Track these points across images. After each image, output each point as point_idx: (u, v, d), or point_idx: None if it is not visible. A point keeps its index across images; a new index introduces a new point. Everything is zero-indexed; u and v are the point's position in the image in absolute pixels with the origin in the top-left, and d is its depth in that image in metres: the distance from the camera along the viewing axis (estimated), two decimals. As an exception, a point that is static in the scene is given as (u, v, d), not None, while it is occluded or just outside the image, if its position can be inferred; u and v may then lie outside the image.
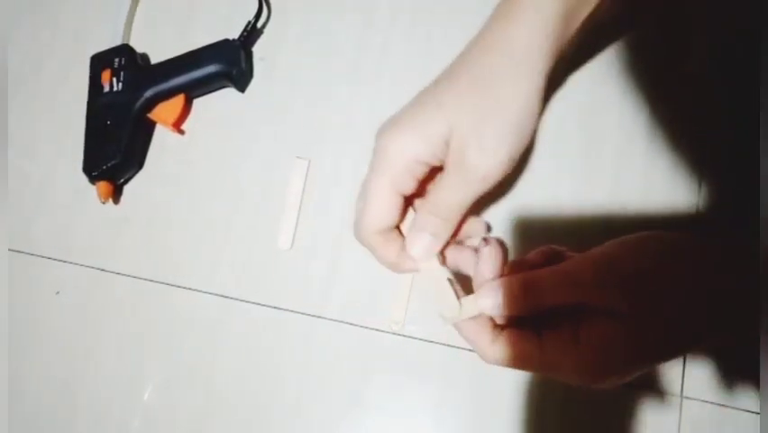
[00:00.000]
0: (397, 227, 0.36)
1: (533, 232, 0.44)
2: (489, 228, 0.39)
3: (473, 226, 0.37)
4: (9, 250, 0.49)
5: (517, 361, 0.32)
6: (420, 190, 0.35)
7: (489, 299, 0.32)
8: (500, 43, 0.32)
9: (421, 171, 0.33)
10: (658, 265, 0.31)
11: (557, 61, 0.33)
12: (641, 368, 0.31)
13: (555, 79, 0.35)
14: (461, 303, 0.34)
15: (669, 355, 0.31)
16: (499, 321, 0.33)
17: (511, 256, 0.43)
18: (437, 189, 0.33)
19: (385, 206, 0.33)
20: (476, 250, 0.37)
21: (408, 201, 0.35)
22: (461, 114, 0.31)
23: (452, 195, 0.33)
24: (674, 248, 0.32)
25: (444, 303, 0.34)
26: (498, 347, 0.33)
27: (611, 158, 0.45)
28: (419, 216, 0.34)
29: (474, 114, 0.31)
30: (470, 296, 0.34)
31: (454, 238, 0.36)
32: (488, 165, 0.32)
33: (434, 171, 0.35)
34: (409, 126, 0.33)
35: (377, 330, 0.44)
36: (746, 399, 0.40)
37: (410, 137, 0.32)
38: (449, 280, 0.35)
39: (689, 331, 0.30)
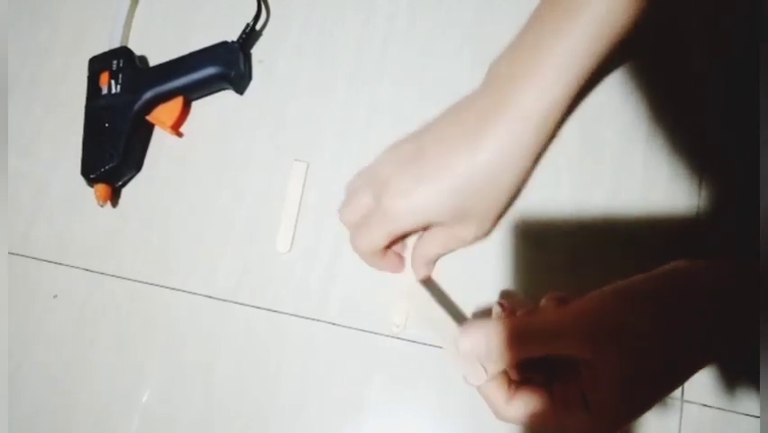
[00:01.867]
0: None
1: (533, 236, 0.44)
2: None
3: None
4: (7, 253, 0.49)
5: (531, 423, 0.33)
6: None
7: (468, 342, 0.33)
8: (505, 98, 0.34)
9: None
10: (640, 315, 0.31)
11: (571, 103, 0.34)
12: (648, 410, 0.32)
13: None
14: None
15: (671, 390, 0.32)
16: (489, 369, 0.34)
17: (509, 258, 0.43)
18: (427, 243, 0.38)
19: (377, 245, 0.37)
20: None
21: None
22: (465, 198, 0.35)
23: (438, 249, 0.38)
24: (657, 293, 0.32)
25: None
26: (512, 409, 0.33)
27: (611, 160, 0.44)
28: (415, 266, 0.40)
29: (477, 196, 0.35)
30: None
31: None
32: (482, 236, 0.37)
33: None
34: (414, 204, 0.35)
35: (376, 333, 0.44)
36: (747, 402, 0.40)
37: (412, 215, 0.36)
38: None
39: (682, 368, 0.31)
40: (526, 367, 0.33)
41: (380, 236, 0.36)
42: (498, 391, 0.34)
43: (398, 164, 0.35)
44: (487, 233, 0.37)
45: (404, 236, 0.39)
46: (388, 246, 0.38)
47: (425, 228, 0.38)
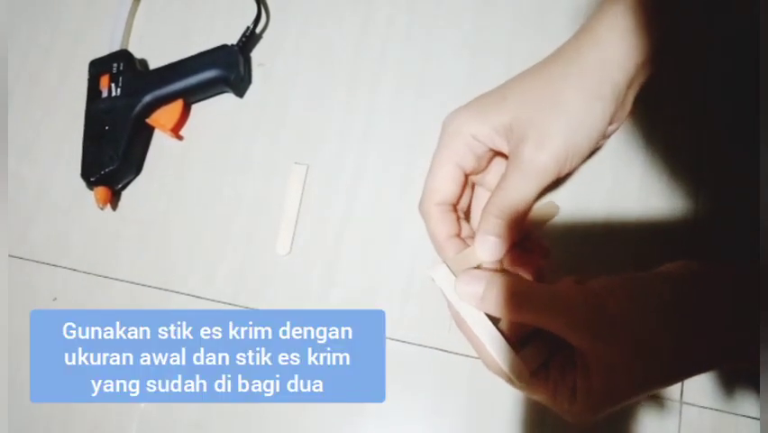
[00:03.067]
0: (456, 212, 0.37)
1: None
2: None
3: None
4: (7, 255, 0.49)
5: (519, 388, 0.33)
6: (479, 170, 0.37)
7: (467, 282, 0.33)
8: (571, 54, 0.34)
9: (480, 150, 0.35)
10: (642, 311, 0.30)
11: (633, 77, 0.33)
12: (634, 401, 0.31)
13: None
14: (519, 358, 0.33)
15: (661, 387, 0.32)
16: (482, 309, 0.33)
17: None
18: (498, 189, 0.34)
19: (445, 176, 0.35)
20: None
21: (467, 180, 0.37)
22: (524, 108, 0.33)
23: (511, 192, 0.33)
24: (664, 291, 0.31)
25: (503, 360, 0.33)
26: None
27: (610, 163, 0.44)
28: (483, 219, 0.35)
29: (535, 109, 0.33)
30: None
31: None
32: (543, 160, 0.32)
33: (495, 157, 0.37)
34: (473, 110, 0.35)
35: (375, 335, 0.44)
36: (746, 404, 0.40)
37: (471, 117, 0.34)
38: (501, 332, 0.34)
39: (677, 370, 0.30)
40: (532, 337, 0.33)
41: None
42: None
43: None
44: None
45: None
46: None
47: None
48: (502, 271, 0.34)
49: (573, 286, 0.32)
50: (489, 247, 0.34)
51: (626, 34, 0.32)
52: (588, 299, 0.31)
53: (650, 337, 0.30)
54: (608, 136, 0.35)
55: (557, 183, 0.36)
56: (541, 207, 0.37)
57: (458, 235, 0.36)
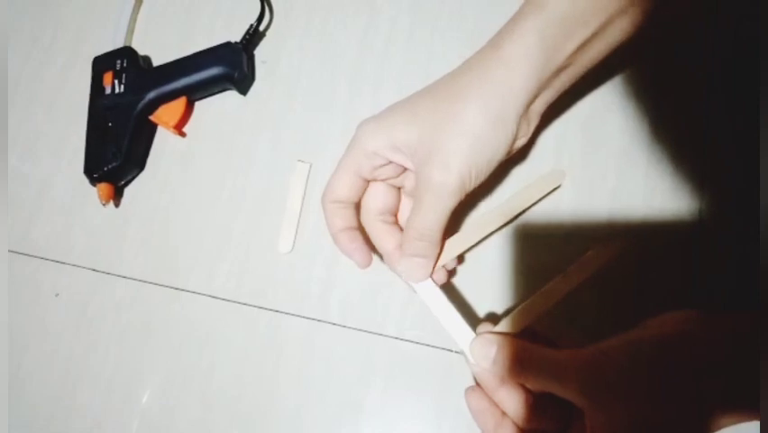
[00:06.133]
0: (355, 208, 0.39)
1: (534, 240, 0.44)
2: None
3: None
4: (9, 251, 0.49)
5: None
6: (394, 175, 0.38)
7: (482, 348, 0.34)
8: (478, 72, 0.34)
9: (379, 163, 0.36)
10: (643, 371, 0.30)
11: (538, 95, 0.34)
12: None
13: (550, 111, 0.36)
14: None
15: None
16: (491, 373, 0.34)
17: (510, 262, 0.43)
18: (414, 213, 0.35)
19: (343, 182, 0.37)
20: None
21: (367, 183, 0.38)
22: (429, 127, 0.34)
23: (427, 215, 0.35)
24: (666, 349, 0.31)
25: (457, 333, 0.35)
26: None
27: (613, 164, 0.44)
28: (406, 243, 0.36)
29: (440, 129, 0.33)
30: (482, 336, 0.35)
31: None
32: (452, 180, 0.33)
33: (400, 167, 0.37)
34: (382, 123, 0.35)
35: (377, 334, 0.44)
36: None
37: (378, 133, 0.35)
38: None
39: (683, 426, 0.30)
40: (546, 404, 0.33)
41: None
42: (489, 414, 0.34)
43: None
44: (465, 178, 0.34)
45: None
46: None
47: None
48: (514, 335, 0.35)
49: (575, 351, 0.32)
50: (416, 269, 0.36)
51: (532, 53, 0.32)
52: (588, 365, 0.31)
53: (648, 406, 0.29)
54: (515, 151, 0.36)
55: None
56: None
57: (353, 228, 0.38)
